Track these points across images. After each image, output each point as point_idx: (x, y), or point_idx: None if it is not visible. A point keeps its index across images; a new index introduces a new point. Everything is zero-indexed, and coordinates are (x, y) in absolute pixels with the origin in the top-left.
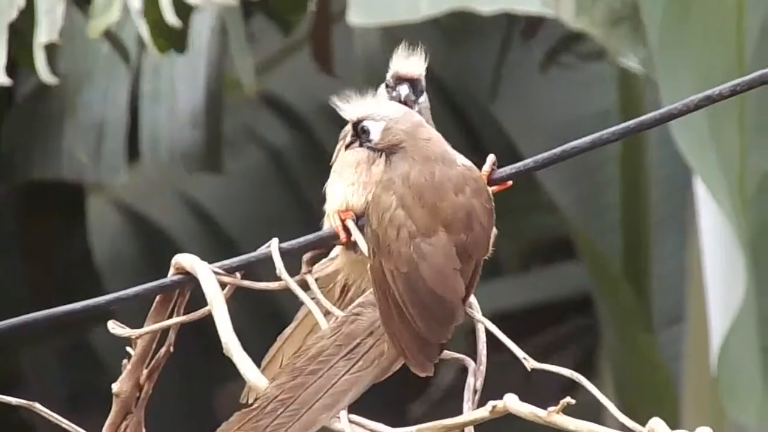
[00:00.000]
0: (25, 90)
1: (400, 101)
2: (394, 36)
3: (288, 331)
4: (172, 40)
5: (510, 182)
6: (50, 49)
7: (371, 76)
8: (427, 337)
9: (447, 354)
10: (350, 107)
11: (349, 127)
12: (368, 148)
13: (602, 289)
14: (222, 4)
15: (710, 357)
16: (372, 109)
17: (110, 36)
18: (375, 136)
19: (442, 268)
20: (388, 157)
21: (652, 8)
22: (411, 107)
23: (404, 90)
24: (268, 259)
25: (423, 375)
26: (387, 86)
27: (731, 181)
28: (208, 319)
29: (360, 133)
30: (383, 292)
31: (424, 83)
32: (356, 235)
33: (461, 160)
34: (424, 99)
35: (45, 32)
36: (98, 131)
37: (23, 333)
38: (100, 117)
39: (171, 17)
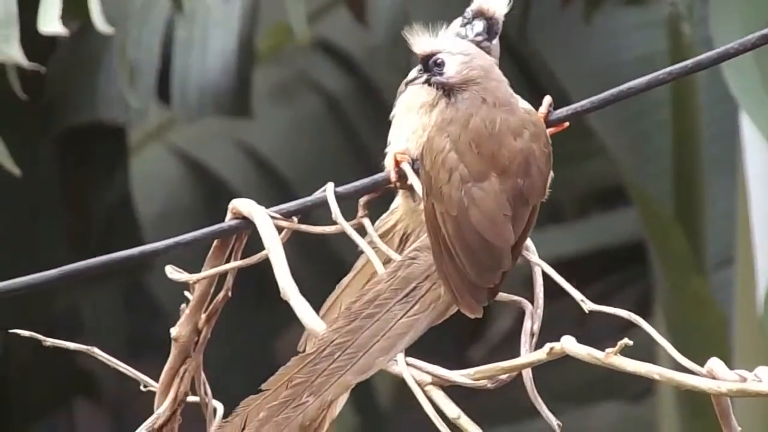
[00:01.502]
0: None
1: (470, 37)
2: None
3: (346, 280)
4: None
5: (567, 123)
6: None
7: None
8: (475, 281)
9: (504, 296)
10: (422, 40)
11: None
12: (437, 82)
13: (654, 234)
14: None
15: (757, 299)
16: (446, 43)
17: None
18: (450, 69)
19: (492, 215)
20: (452, 95)
21: None
22: (480, 45)
23: (479, 26)
24: (324, 204)
25: (472, 316)
26: (463, 18)
27: None
28: (267, 267)
29: (432, 66)
30: (435, 234)
31: (500, 26)
32: (412, 178)
33: (522, 104)
34: (496, 42)
35: None
36: (131, 75)
37: (80, 278)
38: (134, 62)
39: None
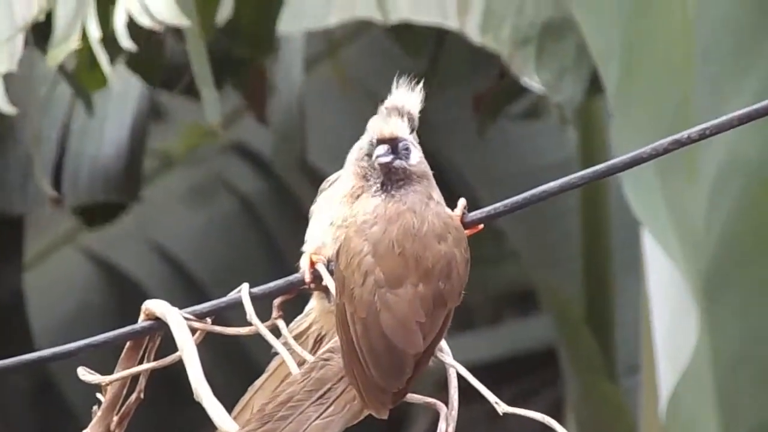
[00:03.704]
0: None
1: (377, 164)
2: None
3: (259, 381)
4: (143, 70)
5: (481, 226)
6: None
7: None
8: (379, 383)
9: (418, 398)
10: (392, 123)
11: (368, 145)
12: (401, 166)
13: (565, 338)
14: (177, 26)
15: (659, 406)
16: (408, 134)
17: (68, 77)
18: (413, 159)
19: (404, 320)
20: (393, 188)
21: (608, 57)
22: (389, 169)
23: (381, 150)
24: (238, 305)
25: (378, 416)
26: (369, 144)
27: (681, 233)
28: (181, 369)
29: (401, 150)
30: (345, 333)
31: (416, 122)
32: (327, 280)
33: (446, 209)
34: (413, 137)
35: (4, 62)
36: (29, 166)
37: None
38: (31, 153)
39: (126, 42)
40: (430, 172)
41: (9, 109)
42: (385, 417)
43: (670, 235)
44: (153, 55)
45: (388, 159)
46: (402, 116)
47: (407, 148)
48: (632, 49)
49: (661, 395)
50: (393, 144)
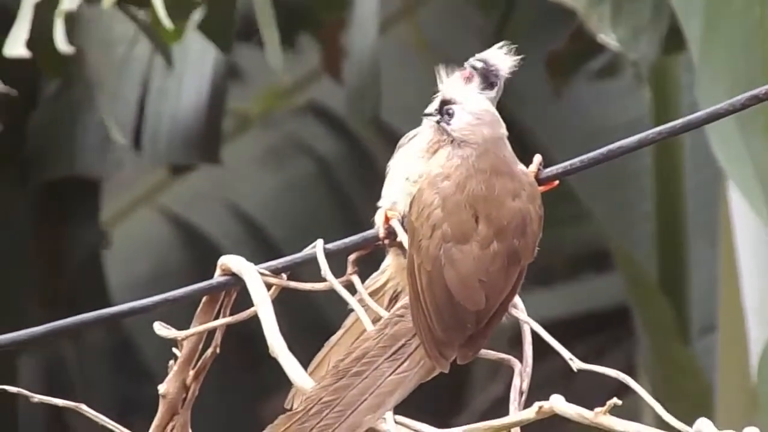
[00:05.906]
0: (47, 93)
1: (466, 70)
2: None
3: (335, 338)
4: (215, 35)
5: (557, 182)
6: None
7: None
8: (440, 337)
9: (492, 355)
10: (449, 84)
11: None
12: (442, 128)
13: (638, 300)
14: None
15: (748, 366)
16: (466, 98)
17: (148, 30)
18: (456, 124)
19: (467, 277)
20: (454, 146)
21: (690, 13)
22: (470, 77)
23: (478, 63)
24: (313, 261)
25: (440, 370)
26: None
27: (765, 188)
28: (255, 327)
29: (444, 113)
30: (413, 283)
31: (500, 81)
32: (401, 236)
33: (519, 166)
34: (493, 94)
35: (67, 2)
36: (107, 129)
37: (67, 335)
38: (111, 114)
39: None
40: (487, 143)
41: (67, 48)
42: (446, 370)
43: (756, 191)
44: (225, 18)
45: (428, 112)
46: (486, 65)
47: (450, 113)
48: (713, 5)
49: (752, 354)
50: (442, 105)
